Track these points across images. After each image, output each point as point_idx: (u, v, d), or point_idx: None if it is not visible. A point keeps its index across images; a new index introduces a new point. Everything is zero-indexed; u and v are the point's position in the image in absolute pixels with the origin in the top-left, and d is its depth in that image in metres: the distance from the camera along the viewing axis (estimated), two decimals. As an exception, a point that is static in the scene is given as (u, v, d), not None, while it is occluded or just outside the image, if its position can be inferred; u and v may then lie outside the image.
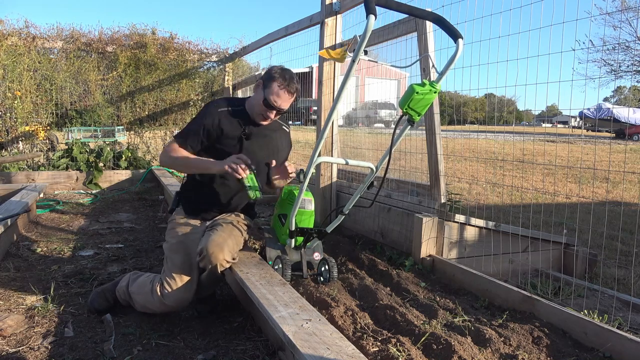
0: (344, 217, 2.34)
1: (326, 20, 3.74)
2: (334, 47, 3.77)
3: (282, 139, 2.38)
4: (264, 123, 2.22)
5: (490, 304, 2.39)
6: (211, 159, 2.12)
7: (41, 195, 4.65)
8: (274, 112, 2.16)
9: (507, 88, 3.62)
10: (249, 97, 2.29)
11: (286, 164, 2.21)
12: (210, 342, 1.99)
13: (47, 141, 6.64)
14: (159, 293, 2.06)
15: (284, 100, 2.13)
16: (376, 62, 2.31)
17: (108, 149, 6.43)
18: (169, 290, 2.05)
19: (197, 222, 2.28)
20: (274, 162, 2.21)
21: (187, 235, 2.23)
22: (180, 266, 2.11)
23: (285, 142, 2.40)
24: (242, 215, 2.33)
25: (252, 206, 2.46)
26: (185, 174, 2.39)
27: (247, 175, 1.97)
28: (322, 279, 2.47)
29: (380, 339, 1.79)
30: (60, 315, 2.19)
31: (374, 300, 2.26)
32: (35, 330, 2.04)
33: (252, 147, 2.24)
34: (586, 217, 4.59)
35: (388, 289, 2.50)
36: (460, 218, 2.90)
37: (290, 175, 2.19)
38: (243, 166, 1.97)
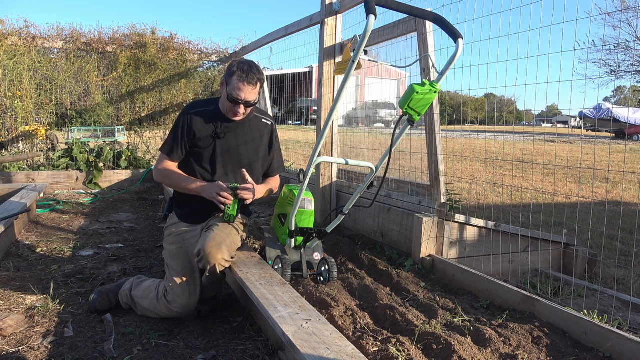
0: (344, 217, 2.34)
1: (326, 20, 3.74)
2: (333, 50, 3.76)
3: (261, 133, 2.35)
4: (237, 118, 2.20)
5: (491, 304, 2.39)
6: (199, 184, 2.18)
7: (41, 195, 4.65)
8: (241, 105, 2.14)
9: (507, 88, 3.63)
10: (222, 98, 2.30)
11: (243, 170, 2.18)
12: (210, 342, 1.99)
13: (47, 141, 6.63)
14: (165, 299, 2.07)
15: (247, 92, 2.10)
16: (376, 62, 2.31)
17: (108, 148, 6.43)
18: (174, 297, 2.06)
19: (192, 226, 2.28)
20: (246, 173, 2.18)
21: (185, 240, 2.23)
22: (182, 272, 2.11)
23: (265, 136, 2.36)
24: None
25: (248, 205, 2.46)
26: None
27: (230, 202, 2.13)
28: (322, 279, 2.47)
29: (380, 338, 1.79)
30: (60, 315, 2.19)
31: (374, 300, 2.26)
32: (35, 330, 2.04)
33: (226, 145, 2.24)
34: (586, 217, 4.59)
35: (388, 289, 2.50)
36: (460, 218, 2.90)
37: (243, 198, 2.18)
38: (225, 194, 2.10)
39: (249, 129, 2.30)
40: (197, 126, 2.21)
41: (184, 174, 2.24)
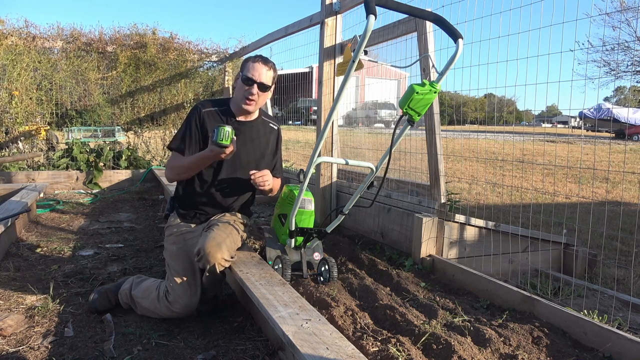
0: (344, 217, 2.34)
1: (326, 20, 3.74)
2: (333, 50, 3.76)
3: (267, 136, 2.36)
4: (249, 106, 2.18)
5: (490, 304, 2.39)
6: (203, 154, 2.10)
7: (41, 195, 4.65)
8: (255, 86, 2.13)
9: (507, 88, 3.62)
10: (232, 97, 2.30)
11: (251, 172, 2.14)
12: (210, 342, 1.99)
13: (46, 142, 6.64)
14: (166, 300, 2.07)
15: (261, 72, 2.13)
16: (376, 62, 2.32)
17: (108, 148, 6.44)
18: (175, 297, 2.06)
19: (193, 226, 2.28)
20: (254, 172, 2.15)
21: (186, 241, 2.23)
22: (183, 272, 2.11)
23: (272, 139, 2.38)
24: (238, 215, 2.33)
25: (248, 205, 2.46)
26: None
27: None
28: (322, 279, 2.47)
29: (380, 338, 1.80)
30: (60, 315, 2.19)
31: (374, 300, 2.26)
32: (35, 330, 2.04)
33: (235, 146, 2.23)
34: (586, 217, 4.59)
35: (388, 289, 2.50)
36: (460, 218, 2.90)
37: (260, 186, 2.16)
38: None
39: (258, 131, 2.32)
40: (210, 124, 2.20)
41: (186, 157, 2.20)
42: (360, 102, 6.01)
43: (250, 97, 2.15)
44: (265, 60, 2.16)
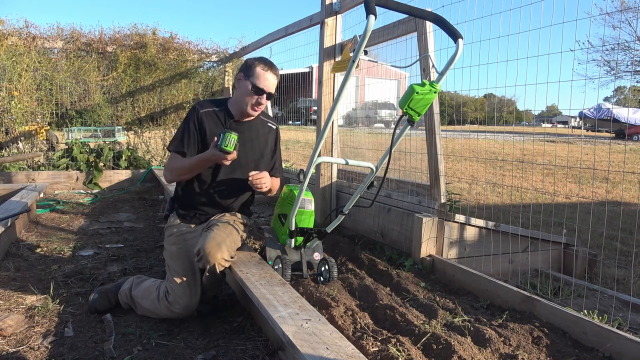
0: (344, 217, 2.34)
1: (326, 20, 3.74)
2: (333, 50, 3.76)
3: (266, 136, 2.37)
4: (256, 113, 2.22)
5: (490, 304, 2.39)
6: (202, 156, 2.12)
7: (41, 195, 4.65)
8: (264, 96, 2.16)
9: (507, 88, 3.63)
10: (230, 97, 2.31)
11: (250, 174, 2.15)
12: (210, 342, 1.99)
13: (47, 142, 6.64)
14: (166, 300, 2.07)
15: (271, 83, 2.17)
16: (376, 62, 2.32)
17: (108, 148, 6.44)
18: (175, 298, 2.06)
19: (193, 226, 2.28)
20: (252, 173, 2.16)
21: (186, 241, 2.23)
22: (183, 273, 2.11)
23: (270, 139, 2.39)
24: (238, 215, 2.33)
25: (248, 205, 2.47)
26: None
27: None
28: (322, 279, 2.47)
29: (380, 338, 1.80)
30: (60, 315, 2.19)
31: (374, 300, 2.26)
32: (35, 330, 2.04)
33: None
34: (586, 217, 4.59)
35: (388, 289, 2.50)
36: (460, 218, 2.90)
37: (257, 188, 2.17)
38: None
39: (256, 131, 2.32)
40: (208, 125, 2.21)
41: (186, 158, 2.20)
42: (360, 102, 6.01)
43: (259, 106, 2.20)
44: (274, 69, 2.18)
